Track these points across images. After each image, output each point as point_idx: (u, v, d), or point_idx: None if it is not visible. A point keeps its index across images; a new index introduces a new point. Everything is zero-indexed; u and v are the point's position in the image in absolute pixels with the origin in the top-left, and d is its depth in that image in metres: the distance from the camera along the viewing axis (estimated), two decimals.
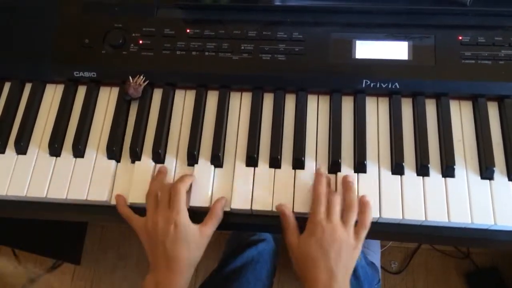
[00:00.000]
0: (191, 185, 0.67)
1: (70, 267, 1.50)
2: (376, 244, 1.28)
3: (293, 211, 0.66)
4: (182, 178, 0.67)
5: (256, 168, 0.69)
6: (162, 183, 0.67)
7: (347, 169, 0.68)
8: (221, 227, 0.69)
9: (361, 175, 0.67)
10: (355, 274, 0.88)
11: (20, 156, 0.72)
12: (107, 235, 1.53)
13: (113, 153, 0.70)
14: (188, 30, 0.74)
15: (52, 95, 0.76)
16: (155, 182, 0.68)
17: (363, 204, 0.64)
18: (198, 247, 0.65)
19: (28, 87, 0.76)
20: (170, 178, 0.69)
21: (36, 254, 1.39)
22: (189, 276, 0.64)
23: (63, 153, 0.72)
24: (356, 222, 0.64)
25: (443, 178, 0.66)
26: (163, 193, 0.66)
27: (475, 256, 1.40)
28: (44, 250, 1.34)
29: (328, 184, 0.67)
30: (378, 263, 1.23)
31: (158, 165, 0.70)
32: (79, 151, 0.71)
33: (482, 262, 1.40)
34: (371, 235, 0.65)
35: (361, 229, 0.63)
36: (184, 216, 0.64)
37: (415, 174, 0.67)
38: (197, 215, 0.66)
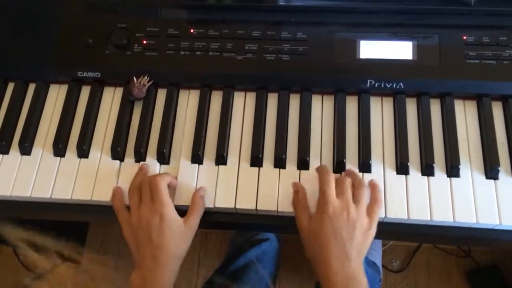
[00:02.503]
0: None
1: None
2: (377, 243, 1.29)
3: None
4: (160, 174, 0.67)
5: (260, 168, 0.69)
6: (143, 179, 0.67)
7: (352, 169, 0.68)
8: (226, 226, 0.69)
9: (366, 175, 0.67)
10: None
11: (24, 156, 0.72)
12: (108, 235, 1.53)
13: (118, 153, 0.70)
14: (192, 30, 0.74)
15: (56, 95, 0.76)
16: (137, 178, 0.67)
17: (372, 185, 0.65)
18: (184, 239, 0.63)
19: (32, 88, 0.76)
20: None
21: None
22: (175, 270, 0.63)
23: (68, 154, 0.72)
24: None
25: (448, 178, 0.66)
26: (144, 188, 0.65)
27: (476, 255, 1.40)
28: None
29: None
30: (379, 262, 1.23)
31: (163, 166, 0.70)
32: (83, 152, 0.71)
33: (483, 261, 1.40)
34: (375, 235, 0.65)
35: (375, 206, 0.62)
36: (169, 208, 0.63)
37: (420, 174, 0.67)
38: (202, 216, 0.66)
